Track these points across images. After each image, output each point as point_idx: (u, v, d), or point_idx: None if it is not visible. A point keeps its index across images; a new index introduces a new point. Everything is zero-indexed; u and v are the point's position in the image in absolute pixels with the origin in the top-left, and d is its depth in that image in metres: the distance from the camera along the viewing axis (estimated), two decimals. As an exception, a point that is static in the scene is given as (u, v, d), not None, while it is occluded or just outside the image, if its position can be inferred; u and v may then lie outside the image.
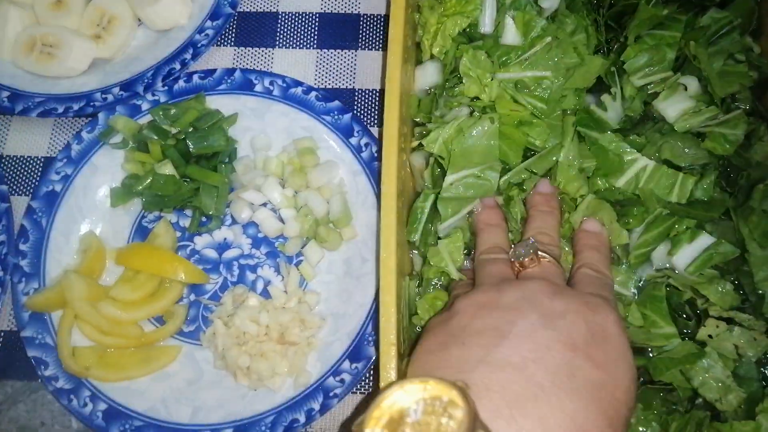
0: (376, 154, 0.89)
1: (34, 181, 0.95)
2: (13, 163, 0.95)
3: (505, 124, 0.78)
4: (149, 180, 0.86)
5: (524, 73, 0.82)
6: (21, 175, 0.95)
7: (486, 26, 0.85)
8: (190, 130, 0.89)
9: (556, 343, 0.52)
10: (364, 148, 0.89)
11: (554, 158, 0.73)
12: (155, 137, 0.87)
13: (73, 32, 0.94)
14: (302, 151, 0.89)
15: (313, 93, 0.92)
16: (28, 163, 0.95)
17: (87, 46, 0.94)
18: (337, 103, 0.92)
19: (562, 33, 0.80)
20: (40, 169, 0.95)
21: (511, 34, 0.83)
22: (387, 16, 1.00)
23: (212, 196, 0.86)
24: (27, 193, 0.94)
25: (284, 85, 0.93)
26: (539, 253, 0.63)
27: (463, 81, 0.82)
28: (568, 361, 0.51)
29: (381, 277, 0.64)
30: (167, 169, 0.86)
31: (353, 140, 0.90)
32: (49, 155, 0.96)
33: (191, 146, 0.87)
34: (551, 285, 0.59)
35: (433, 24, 0.84)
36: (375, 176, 0.88)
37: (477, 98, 0.82)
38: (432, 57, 0.84)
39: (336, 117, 0.91)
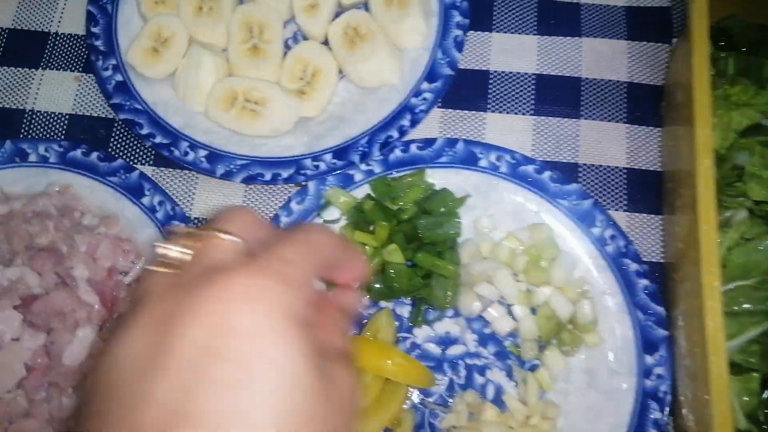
0: (624, 249, 0.79)
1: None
2: (201, 228, 0.86)
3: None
4: (375, 267, 0.77)
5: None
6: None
7: (772, 120, 0.75)
8: (413, 209, 0.80)
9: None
10: (609, 242, 0.79)
11: None
12: (382, 218, 0.78)
13: (279, 87, 0.84)
14: (540, 240, 0.79)
15: (547, 173, 0.82)
16: (218, 230, 0.87)
17: (294, 104, 0.84)
18: (576, 186, 0.82)
19: None
20: (233, 237, 0.86)
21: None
22: (627, 83, 0.91)
23: (444, 288, 0.77)
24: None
25: (513, 161, 0.83)
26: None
27: (746, 182, 0.72)
28: None
29: (711, 383, 0.56)
30: (396, 256, 0.76)
31: (595, 230, 0.80)
32: (241, 222, 0.87)
33: (422, 232, 0.77)
34: None
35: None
36: (624, 275, 0.78)
37: (762, 202, 0.72)
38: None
39: (574, 202, 0.81)
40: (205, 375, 0.34)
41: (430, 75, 0.86)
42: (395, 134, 0.83)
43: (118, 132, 0.92)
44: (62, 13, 0.99)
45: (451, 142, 0.84)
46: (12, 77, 0.96)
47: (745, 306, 0.65)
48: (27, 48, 0.97)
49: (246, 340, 0.35)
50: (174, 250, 0.40)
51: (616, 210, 0.86)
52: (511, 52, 0.93)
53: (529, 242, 0.81)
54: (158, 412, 0.34)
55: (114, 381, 0.36)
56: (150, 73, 0.87)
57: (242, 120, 0.83)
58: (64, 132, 0.92)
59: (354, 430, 0.40)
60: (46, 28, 0.98)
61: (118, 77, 0.88)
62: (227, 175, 0.82)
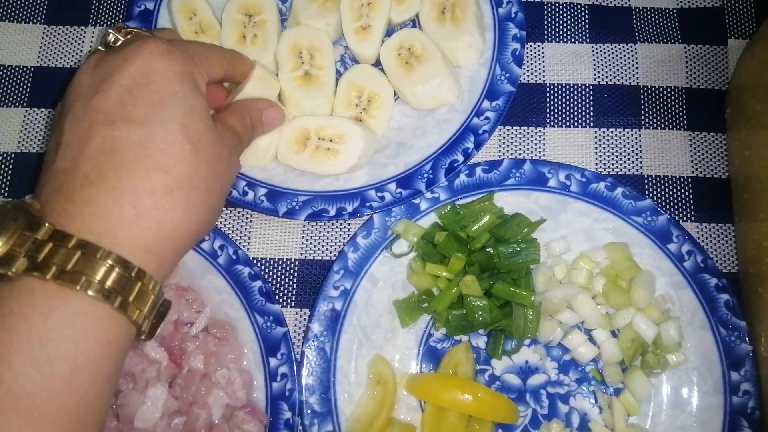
0: (702, 264, 0.77)
1: (289, 289, 0.82)
2: (263, 267, 0.83)
3: None
4: (452, 299, 0.74)
5: None
6: (275, 282, 0.83)
7: None
8: (485, 236, 0.77)
9: (95, 125, 0.55)
10: (686, 257, 0.78)
11: None
12: (456, 249, 0.75)
13: (353, 121, 0.79)
14: (618, 260, 0.77)
15: (620, 189, 0.80)
16: (279, 267, 0.83)
17: (370, 136, 0.80)
18: (649, 201, 0.79)
19: None
20: (295, 274, 0.83)
21: None
22: (686, 89, 0.88)
23: (523, 318, 0.75)
24: (287, 303, 0.82)
25: (583, 179, 0.81)
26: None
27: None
28: (106, 137, 0.55)
29: None
30: (474, 288, 0.74)
31: (672, 246, 0.78)
32: (303, 257, 0.83)
33: (501, 261, 0.75)
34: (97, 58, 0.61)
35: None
36: (704, 290, 0.77)
37: None
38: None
39: (649, 219, 0.79)
40: (136, 96, 0.56)
41: (490, 93, 0.83)
42: (460, 158, 0.80)
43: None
44: (91, 37, 0.94)
45: (518, 163, 0.81)
46: (63, 36, 0.90)
47: None
48: (73, 5, 0.93)
49: (164, 80, 0.58)
50: (116, 36, 0.63)
51: (684, 221, 0.84)
52: (566, 62, 0.90)
53: (605, 263, 0.79)
54: (102, 115, 0.56)
55: (72, 100, 0.58)
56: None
57: (317, 160, 0.78)
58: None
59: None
60: (80, 50, 0.93)
61: (161, 112, 0.83)
62: (290, 214, 0.78)
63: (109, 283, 0.50)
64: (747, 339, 0.75)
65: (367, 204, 0.79)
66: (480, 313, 0.74)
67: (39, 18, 0.94)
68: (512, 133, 0.88)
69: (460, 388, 0.73)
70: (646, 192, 0.85)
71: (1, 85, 0.91)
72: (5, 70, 0.91)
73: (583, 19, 0.92)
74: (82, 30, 0.93)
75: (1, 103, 0.90)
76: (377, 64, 0.85)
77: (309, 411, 0.73)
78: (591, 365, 0.78)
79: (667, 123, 0.88)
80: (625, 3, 0.92)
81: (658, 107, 0.88)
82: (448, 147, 0.81)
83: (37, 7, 0.94)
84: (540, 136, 0.88)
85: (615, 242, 0.79)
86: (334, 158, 0.78)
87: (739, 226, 0.83)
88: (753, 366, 0.75)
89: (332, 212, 0.78)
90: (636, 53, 0.90)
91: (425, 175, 0.80)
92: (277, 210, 0.79)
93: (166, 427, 0.71)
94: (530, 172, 0.81)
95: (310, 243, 0.84)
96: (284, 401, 0.74)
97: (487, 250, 0.77)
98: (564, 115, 0.88)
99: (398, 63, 0.82)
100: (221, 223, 0.85)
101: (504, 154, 0.87)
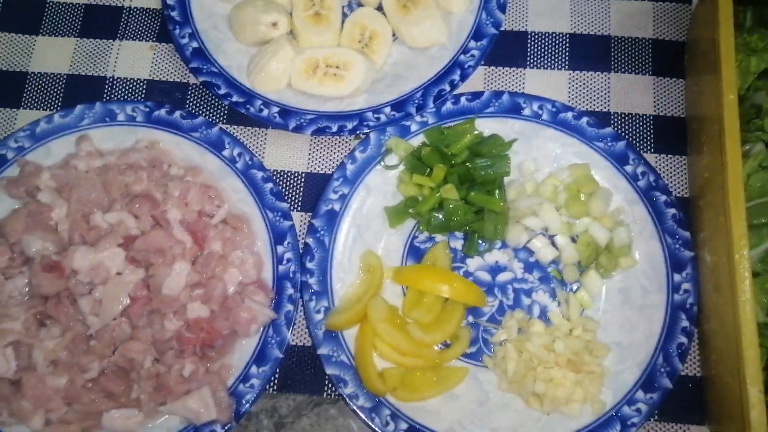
0: (654, 183, 0.89)
1: (297, 195, 0.96)
2: (276, 177, 0.97)
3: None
4: (433, 204, 0.87)
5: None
6: (285, 189, 0.97)
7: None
8: (465, 153, 0.90)
9: None
10: (640, 177, 0.90)
11: None
12: (438, 161, 0.88)
13: (354, 50, 0.93)
14: (579, 178, 0.89)
15: (585, 118, 0.92)
16: (289, 178, 0.97)
17: (370, 65, 0.94)
18: (609, 129, 0.91)
19: None
20: (302, 184, 0.97)
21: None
22: (651, 39, 1.00)
23: (494, 222, 0.88)
24: (294, 207, 0.96)
25: (554, 109, 0.93)
26: None
27: (763, 117, 0.82)
28: None
29: (737, 282, 0.68)
30: (452, 193, 0.87)
31: (628, 168, 0.90)
32: (309, 171, 0.97)
33: (476, 172, 0.87)
34: None
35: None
36: (654, 205, 0.88)
37: (777, 135, 0.82)
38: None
39: (609, 144, 0.91)
40: None
41: (476, 34, 0.96)
42: (447, 87, 0.93)
43: (192, 94, 1.02)
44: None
45: (497, 94, 0.94)
46: (92, 48, 1.06)
47: (763, 219, 0.75)
48: (103, 21, 1.07)
49: None
50: None
51: (645, 152, 0.96)
52: (547, 14, 1.02)
53: (569, 180, 0.91)
54: None
55: None
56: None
57: (325, 84, 0.93)
58: (143, 96, 1.03)
59: None
60: (120, 2, 1.08)
61: (195, 44, 0.98)
62: (298, 129, 0.92)
63: None
64: (690, 246, 0.86)
65: (365, 123, 0.92)
66: (457, 213, 0.86)
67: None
68: (497, 72, 1.01)
69: (438, 275, 0.86)
70: (613, 127, 0.97)
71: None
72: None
73: (563, -23, 1.04)
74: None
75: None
76: (379, 8, 0.99)
77: (310, 290, 0.87)
78: (552, 266, 0.90)
79: (633, 68, 1.00)
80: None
81: (626, 54, 1.00)
82: (437, 78, 0.94)
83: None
84: (521, 75, 1.00)
85: (578, 163, 0.91)
86: (339, 82, 0.92)
87: (689, 158, 0.94)
88: (694, 269, 0.86)
89: (334, 129, 0.92)
90: (609, 7, 1.02)
91: (416, 101, 0.93)
92: (287, 125, 0.92)
93: (188, 295, 0.85)
94: (508, 102, 0.94)
95: (316, 159, 0.97)
96: (288, 281, 0.87)
97: (466, 164, 0.89)
98: (542, 59, 1.01)
99: (397, 6, 0.96)
100: (239, 136, 0.99)
101: (489, 89, 0.99)
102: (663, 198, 0.88)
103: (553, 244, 0.90)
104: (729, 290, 0.71)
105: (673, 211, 0.88)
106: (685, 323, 0.84)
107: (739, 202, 0.68)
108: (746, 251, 0.70)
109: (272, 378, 0.88)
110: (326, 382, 0.88)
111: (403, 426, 0.82)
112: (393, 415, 0.82)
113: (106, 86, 1.04)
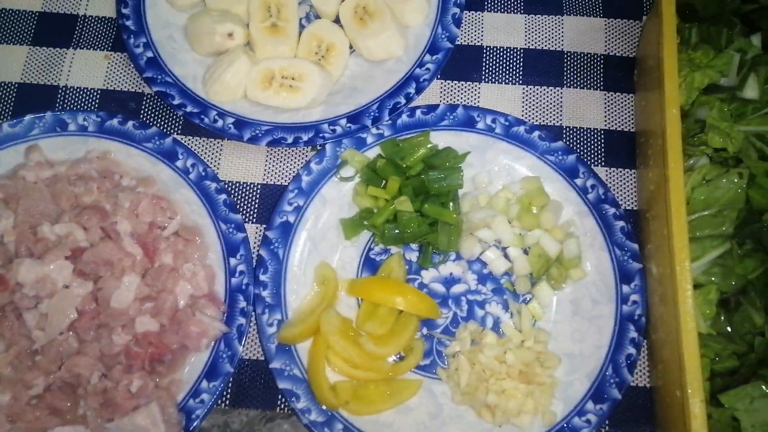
0: (603, 196, 0.91)
1: (252, 207, 0.95)
2: (230, 189, 0.96)
3: (755, 173, 0.82)
4: (388, 216, 0.87)
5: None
6: (240, 201, 0.96)
7: (730, 81, 0.87)
8: (420, 165, 0.90)
9: None
10: (590, 190, 0.91)
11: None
12: (393, 173, 0.88)
13: (311, 62, 0.93)
14: (531, 191, 0.91)
15: (537, 132, 0.94)
16: (244, 189, 0.96)
17: (326, 77, 0.94)
18: (560, 143, 0.93)
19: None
20: (257, 195, 0.96)
21: (752, 89, 0.86)
22: (603, 55, 1.02)
23: (447, 234, 0.88)
24: (249, 219, 0.95)
25: (507, 123, 0.94)
26: None
27: (707, 132, 0.84)
28: None
29: (679, 292, 0.70)
30: (406, 205, 0.87)
31: (578, 181, 0.92)
32: (265, 182, 0.96)
33: (430, 184, 0.88)
34: None
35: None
36: (604, 218, 0.90)
37: (720, 149, 0.85)
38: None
39: (560, 157, 0.93)
40: None
41: (432, 48, 0.97)
42: (402, 100, 0.94)
43: (147, 104, 1.01)
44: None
45: (452, 108, 0.95)
46: (45, 56, 1.04)
47: (707, 231, 0.77)
48: (58, 30, 1.06)
49: None
50: None
51: (596, 165, 0.98)
52: (502, 29, 1.04)
53: (521, 193, 0.92)
54: None
55: None
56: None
57: (281, 95, 0.92)
58: (96, 106, 1.01)
59: None
60: (75, 11, 1.07)
61: (149, 54, 0.97)
62: (253, 140, 0.92)
63: None
64: (638, 259, 0.88)
65: (321, 135, 0.92)
66: (411, 225, 0.87)
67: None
68: (452, 86, 1.02)
69: (392, 287, 0.86)
70: (564, 140, 0.99)
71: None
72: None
73: (518, -7, 1.07)
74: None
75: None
76: (337, 21, 0.99)
77: (263, 303, 0.86)
78: (505, 278, 0.91)
79: (585, 83, 1.02)
80: (556, -18, 1.07)
81: (578, 70, 1.03)
82: (393, 91, 0.95)
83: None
84: (476, 89, 1.02)
85: (530, 176, 0.92)
86: (295, 94, 0.92)
87: (638, 172, 0.96)
88: (642, 281, 0.88)
89: (290, 140, 0.92)
90: (563, 24, 1.05)
91: (372, 114, 0.93)
92: (242, 136, 0.92)
93: (138, 309, 0.84)
94: (462, 116, 0.95)
95: (271, 171, 0.97)
96: (241, 293, 0.86)
97: (421, 177, 0.90)
98: (497, 73, 1.02)
99: (354, 19, 0.96)
100: (194, 147, 0.98)
101: (444, 102, 1.00)
102: (612, 211, 0.90)
103: (506, 256, 0.91)
104: (672, 301, 0.73)
105: (621, 223, 0.90)
106: (633, 334, 0.86)
107: (681, 214, 0.70)
108: (687, 262, 0.72)
109: (224, 393, 0.87)
110: (279, 396, 0.87)
111: (356, 440, 0.82)
112: (345, 429, 0.82)
113: (59, 96, 1.02)
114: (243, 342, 0.85)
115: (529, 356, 0.84)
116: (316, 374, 0.82)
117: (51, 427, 0.82)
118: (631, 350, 0.85)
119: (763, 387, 0.72)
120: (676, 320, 0.71)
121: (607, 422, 0.85)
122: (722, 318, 0.77)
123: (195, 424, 0.82)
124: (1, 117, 1.00)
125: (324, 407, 0.82)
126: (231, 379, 0.86)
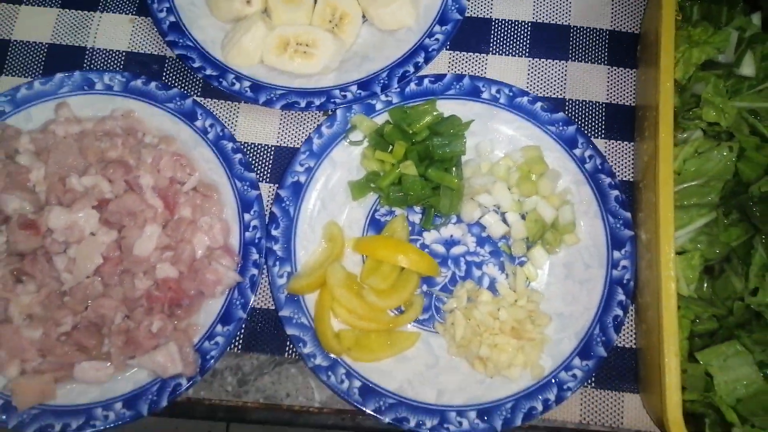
0: (600, 166, 0.95)
1: (266, 167, 1.01)
2: (246, 149, 1.01)
3: (745, 147, 0.85)
4: (393, 179, 0.92)
5: (762, 103, 0.87)
6: (254, 161, 1.01)
7: (727, 57, 0.90)
8: (425, 132, 0.95)
9: None
10: (587, 160, 0.95)
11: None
12: (399, 138, 0.93)
13: (324, 30, 0.98)
14: (531, 159, 0.95)
15: (539, 103, 0.97)
16: (259, 150, 1.02)
17: (339, 44, 0.98)
18: (561, 114, 0.97)
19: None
20: (271, 156, 1.01)
21: (749, 66, 0.88)
22: (608, 30, 1.05)
23: (449, 197, 0.93)
24: (263, 179, 1.00)
25: (511, 94, 0.98)
26: None
27: (701, 106, 0.88)
28: None
29: (661, 258, 0.74)
30: (411, 169, 0.92)
31: (577, 151, 0.96)
32: (278, 144, 1.02)
33: (435, 150, 0.93)
34: None
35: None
36: (599, 187, 0.94)
37: (713, 123, 0.88)
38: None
39: (561, 128, 0.97)
40: None
41: (442, 19, 1.01)
42: (411, 69, 0.98)
43: (169, 66, 1.06)
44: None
45: (458, 78, 0.99)
46: (74, 19, 1.09)
47: (694, 200, 0.81)
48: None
49: None
50: None
51: (596, 137, 1.02)
52: (510, 2, 1.07)
53: (521, 161, 0.96)
54: None
55: None
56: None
57: (295, 61, 0.97)
58: (121, 67, 1.06)
59: None
60: (101, -25, 1.11)
61: (172, 18, 1.02)
62: (268, 103, 0.97)
63: None
64: (630, 227, 0.93)
65: (332, 100, 0.97)
66: (415, 188, 0.92)
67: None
68: (461, 56, 1.06)
69: (395, 245, 0.92)
70: (566, 112, 1.03)
71: None
72: None
73: (528, -33, 1.09)
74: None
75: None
76: (351, -10, 1.03)
77: (274, 256, 0.92)
78: (502, 241, 0.96)
79: (590, 57, 1.05)
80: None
81: (584, 44, 1.06)
82: (402, 60, 0.99)
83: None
84: (483, 60, 1.05)
85: (530, 145, 0.97)
86: (309, 60, 0.96)
87: (636, 144, 1.00)
88: (633, 247, 0.92)
89: (303, 104, 0.97)
90: (570, -1, 1.08)
91: (381, 81, 0.98)
92: (257, 99, 0.97)
93: (158, 257, 0.90)
94: (468, 85, 0.99)
95: (286, 133, 1.02)
96: (254, 246, 0.92)
97: (426, 143, 0.95)
98: (504, 45, 1.06)
99: (367, -12, 1.00)
100: (213, 108, 1.03)
101: (453, 72, 1.04)
102: (607, 180, 0.94)
103: (504, 220, 0.96)
104: (656, 264, 0.77)
105: (616, 192, 0.94)
106: (621, 297, 0.90)
107: (668, 182, 0.74)
108: (671, 228, 0.76)
109: (237, 338, 0.94)
110: (287, 343, 0.94)
111: (357, 384, 0.88)
112: (348, 373, 0.88)
113: (86, 56, 1.07)
114: (255, 291, 0.91)
115: (521, 314, 0.89)
116: (321, 323, 0.88)
117: (78, 362, 0.89)
118: (619, 312, 0.90)
119: (738, 346, 0.77)
120: (658, 281, 0.76)
121: (593, 380, 0.91)
122: (705, 284, 0.81)
123: (209, 364, 0.89)
124: (33, 75, 1.06)
125: (328, 353, 0.88)
126: (243, 326, 0.93)
